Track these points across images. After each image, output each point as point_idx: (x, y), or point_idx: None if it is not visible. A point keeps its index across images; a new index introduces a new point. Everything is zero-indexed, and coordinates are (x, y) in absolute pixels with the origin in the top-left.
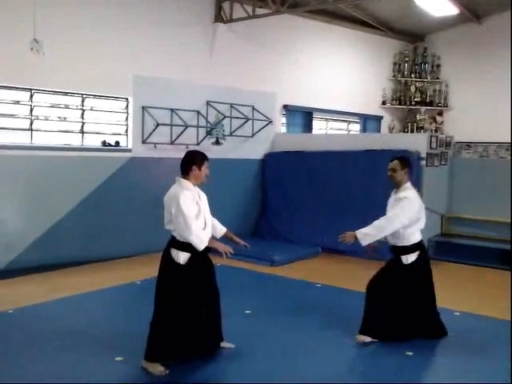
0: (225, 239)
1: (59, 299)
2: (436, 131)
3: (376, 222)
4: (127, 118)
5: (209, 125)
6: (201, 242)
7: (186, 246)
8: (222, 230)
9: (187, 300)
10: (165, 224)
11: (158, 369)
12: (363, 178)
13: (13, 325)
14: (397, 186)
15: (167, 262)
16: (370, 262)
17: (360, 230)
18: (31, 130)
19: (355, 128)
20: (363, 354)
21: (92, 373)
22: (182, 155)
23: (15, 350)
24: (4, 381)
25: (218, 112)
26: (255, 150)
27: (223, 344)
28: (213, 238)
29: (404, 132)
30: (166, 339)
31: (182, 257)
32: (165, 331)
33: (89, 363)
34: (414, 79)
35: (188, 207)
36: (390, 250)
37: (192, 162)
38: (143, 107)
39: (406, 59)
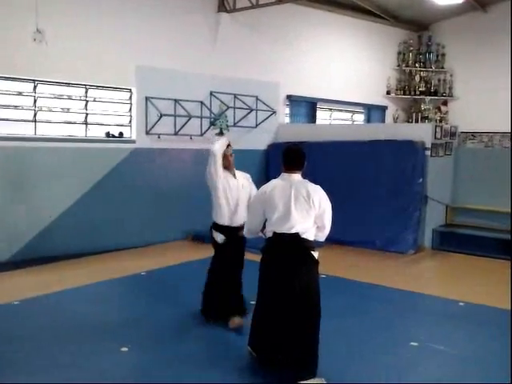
0: None
1: (64, 290)
2: (441, 121)
3: None
4: (131, 108)
5: (212, 115)
6: None
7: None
8: None
9: None
10: (294, 225)
11: None
12: (367, 168)
13: (18, 316)
14: (231, 167)
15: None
16: (374, 253)
17: None
18: (35, 121)
19: (359, 118)
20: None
21: (97, 363)
22: (185, 146)
23: (21, 341)
24: (10, 371)
25: (222, 102)
26: (259, 140)
27: None
28: None
29: (408, 122)
30: None
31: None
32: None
33: (94, 353)
34: (418, 69)
35: None
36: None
37: (305, 157)
38: (147, 98)
39: (411, 48)
